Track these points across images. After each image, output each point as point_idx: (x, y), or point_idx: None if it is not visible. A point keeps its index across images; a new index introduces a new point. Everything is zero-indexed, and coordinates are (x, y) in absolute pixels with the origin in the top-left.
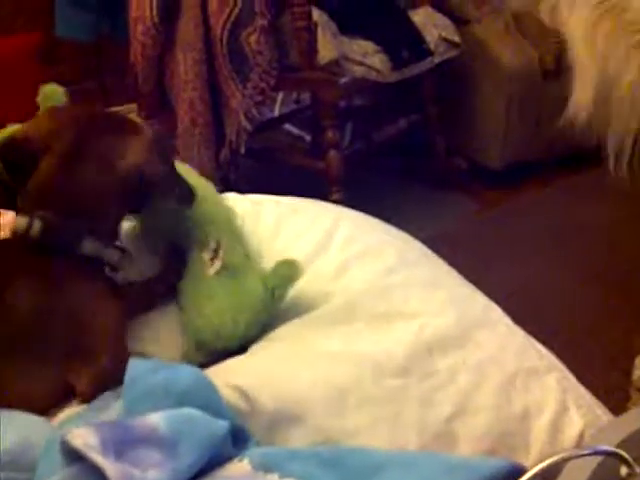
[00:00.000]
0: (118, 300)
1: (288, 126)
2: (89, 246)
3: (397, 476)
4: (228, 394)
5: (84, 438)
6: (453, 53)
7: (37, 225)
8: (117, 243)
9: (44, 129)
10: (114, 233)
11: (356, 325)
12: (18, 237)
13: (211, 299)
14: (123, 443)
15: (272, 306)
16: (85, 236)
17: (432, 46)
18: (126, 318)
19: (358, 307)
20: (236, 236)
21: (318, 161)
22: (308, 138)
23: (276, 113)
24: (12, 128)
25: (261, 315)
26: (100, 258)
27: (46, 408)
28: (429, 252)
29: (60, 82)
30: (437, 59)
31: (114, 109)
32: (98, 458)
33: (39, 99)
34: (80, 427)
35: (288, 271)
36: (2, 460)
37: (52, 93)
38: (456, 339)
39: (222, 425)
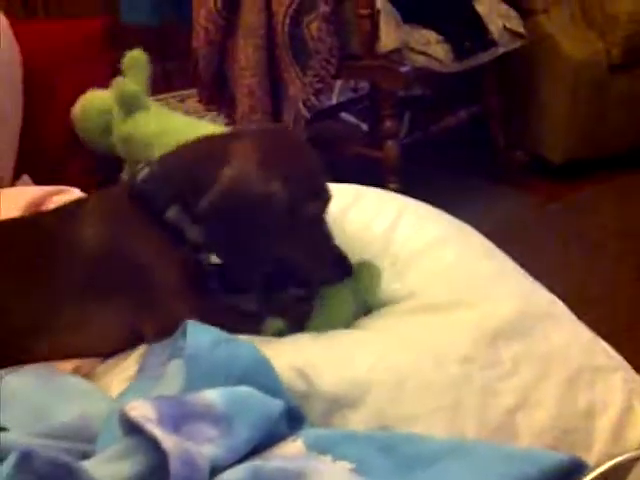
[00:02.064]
0: (188, 270)
1: (345, 115)
2: (173, 212)
3: (453, 467)
4: (287, 374)
5: (142, 411)
6: (517, 44)
7: (145, 172)
8: None
9: None
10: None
11: (418, 313)
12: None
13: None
14: (180, 418)
15: (365, 303)
16: (174, 202)
17: (496, 36)
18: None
19: (420, 296)
20: None
21: (375, 151)
22: (364, 127)
23: (334, 101)
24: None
25: (352, 310)
26: (182, 232)
27: (114, 348)
28: (491, 245)
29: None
30: (500, 50)
31: (175, 94)
32: (155, 430)
33: (124, 62)
34: (138, 400)
35: (373, 273)
36: (64, 432)
37: (137, 59)
38: (521, 330)
39: (277, 404)
